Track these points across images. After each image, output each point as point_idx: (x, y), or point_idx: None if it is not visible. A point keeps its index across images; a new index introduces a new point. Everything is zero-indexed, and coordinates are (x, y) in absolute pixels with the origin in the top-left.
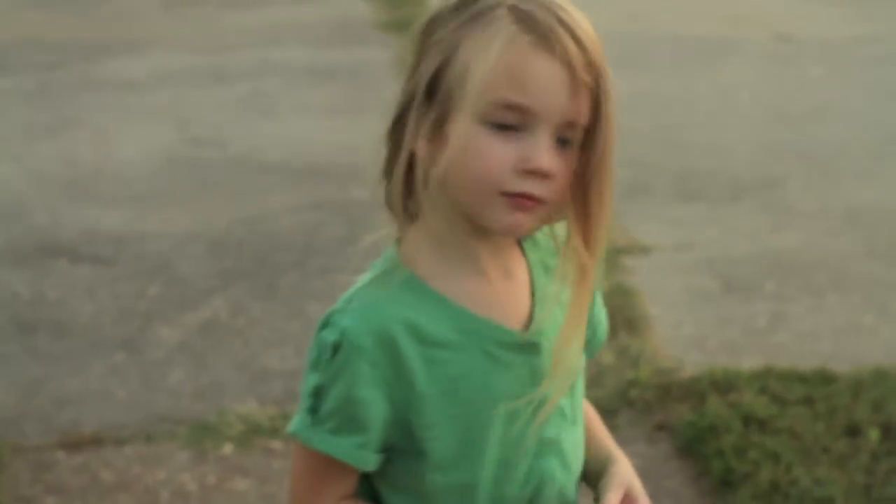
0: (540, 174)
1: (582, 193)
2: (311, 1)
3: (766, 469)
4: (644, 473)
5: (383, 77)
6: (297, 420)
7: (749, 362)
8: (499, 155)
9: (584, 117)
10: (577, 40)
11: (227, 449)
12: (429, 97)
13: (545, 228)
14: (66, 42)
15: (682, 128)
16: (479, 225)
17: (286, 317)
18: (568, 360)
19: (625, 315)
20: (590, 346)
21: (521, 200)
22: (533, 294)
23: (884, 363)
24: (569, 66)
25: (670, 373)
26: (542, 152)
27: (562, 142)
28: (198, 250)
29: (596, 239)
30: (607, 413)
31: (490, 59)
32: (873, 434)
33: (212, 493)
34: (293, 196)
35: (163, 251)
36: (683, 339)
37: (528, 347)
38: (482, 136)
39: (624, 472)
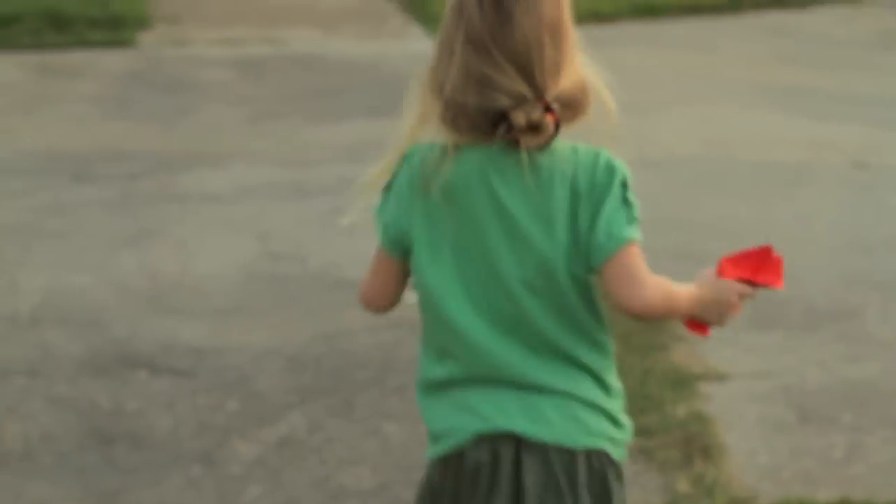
0: None
1: None
2: (390, 115)
3: None
4: None
5: None
6: (633, 229)
7: (825, 494)
8: None
9: None
10: None
11: None
12: None
13: None
14: (148, 153)
15: None
16: None
17: (363, 435)
18: None
19: (700, 442)
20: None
21: None
22: None
23: None
24: None
25: (745, 502)
26: None
27: None
28: (276, 365)
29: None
30: None
31: None
32: None
33: None
34: (371, 314)
35: (241, 365)
36: (758, 469)
37: None
38: None
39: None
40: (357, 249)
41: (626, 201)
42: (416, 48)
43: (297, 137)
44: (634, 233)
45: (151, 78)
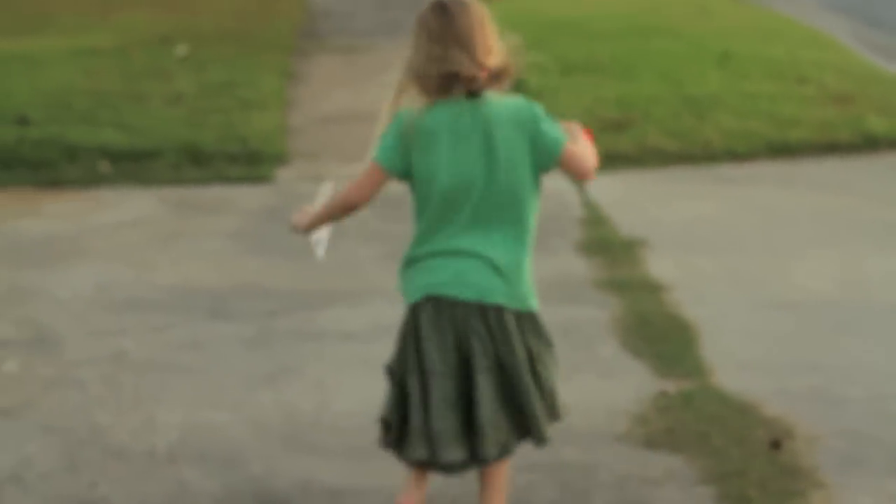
0: None
1: None
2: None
3: None
4: None
5: (598, 337)
6: (559, 131)
7: None
8: None
9: None
10: None
11: None
12: None
13: None
14: (285, 290)
15: None
16: None
17: None
18: None
19: None
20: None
21: None
22: None
23: None
24: None
25: None
26: None
27: None
28: None
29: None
30: None
31: None
32: None
33: None
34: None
35: None
36: None
37: None
38: None
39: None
40: None
41: (550, 118)
42: (552, 186)
43: None
44: (564, 134)
45: (289, 214)
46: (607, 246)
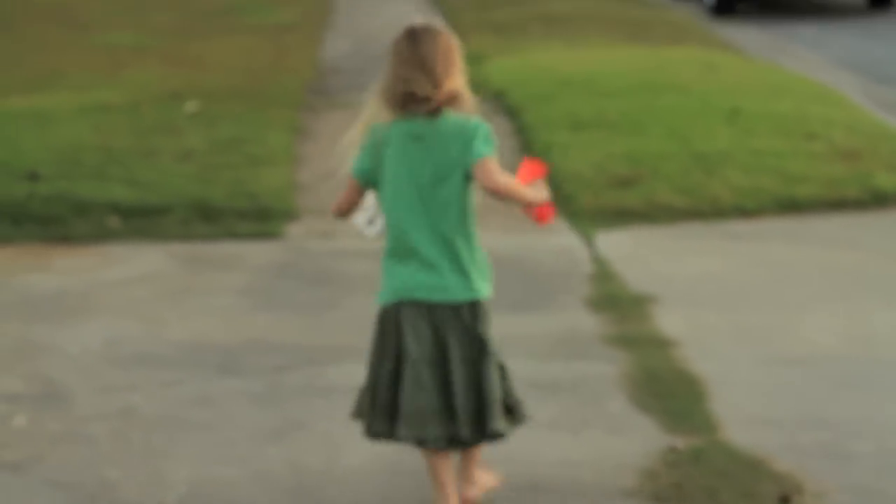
0: None
1: None
2: (534, 310)
3: None
4: None
5: (607, 392)
6: (489, 149)
7: None
8: None
9: None
10: None
11: None
12: None
13: None
14: (295, 345)
15: None
16: None
17: None
18: None
19: None
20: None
21: None
22: None
23: None
24: None
25: None
26: None
27: None
28: None
29: None
30: None
31: None
32: None
33: None
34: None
35: None
36: None
37: None
38: None
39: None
40: (498, 447)
41: (486, 137)
42: (561, 242)
43: None
44: (490, 151)
45: (298, 270)
46: (616, 301)
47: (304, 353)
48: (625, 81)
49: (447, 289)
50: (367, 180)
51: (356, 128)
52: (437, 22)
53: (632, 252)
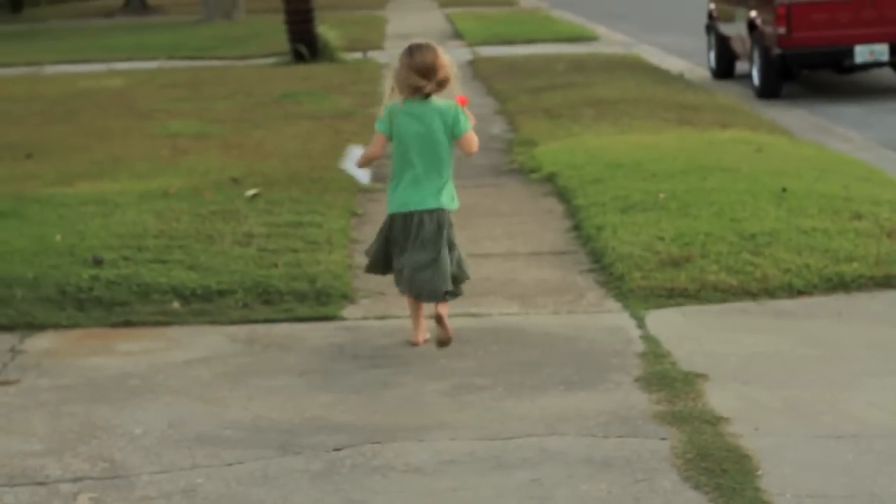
0: None
1: None
2: (587, 388)
3: None
4: None
5: (659, 469)
6: (468, 124)
7: None
8: None
9: None
10: None
11: None
12: None
13: None
14: (352, 425)
15: None
16: None
17: None
18: None
19: None
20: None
21: None
22: None
23: None
24: None
25: None
26: None
27: None
28: None
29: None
30: None
31: None
32: None
33: None
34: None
35: None
36: None
37: None
38: None
39: None
40: None
41: (464, 115)
42: (613, 322)
43: (497, 410)
44: (468, 126)
45: (355, 351)
46: (667, 379)
47: (361, 433)
48: (674, 164)
49: (426, 202)
50: (387, 134)
51: (382, 105)
52: (431, 40)
53: (682, 331)
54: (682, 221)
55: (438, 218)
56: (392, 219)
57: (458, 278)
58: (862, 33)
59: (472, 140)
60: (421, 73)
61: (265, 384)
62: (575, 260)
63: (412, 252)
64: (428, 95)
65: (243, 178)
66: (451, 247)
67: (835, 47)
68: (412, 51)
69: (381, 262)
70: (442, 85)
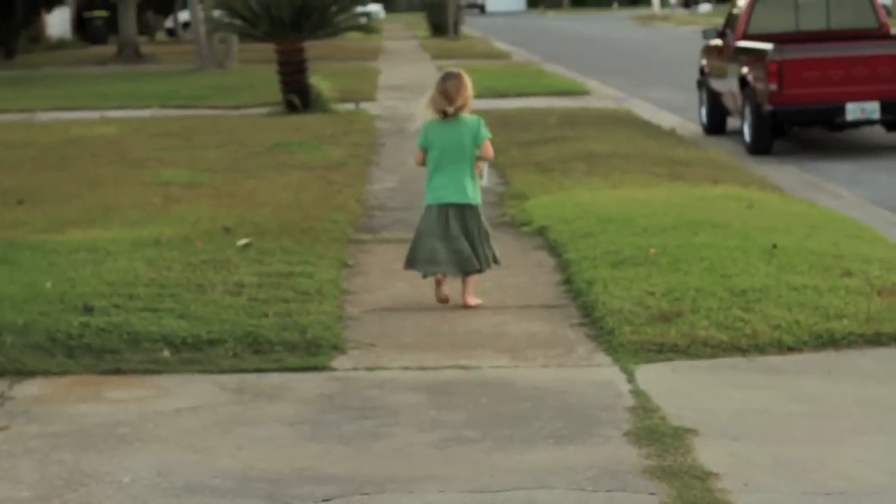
0: None
1: None
2: (576, 441)
3: None
4: None
5: None
6: (488, 133)
7: None
8: None
9: None
10: None
11: None
12: None
13: None
14: (341, 476)
15: None
16: None
17: None
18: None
19: None
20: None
21: None
22: None
23: None
24: None
25: None
26: None
27: None
28: None
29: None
30: None
31: None
32: None
33: None
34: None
35: None
36: None
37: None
38: None
39: None
40: None
41: (484, 126)
42: (603, 376)
43: (486, 463)
44: (488, 134)
45: (345, 402)
46: (657, 434)
47: (350, 484)
48: (664, 219)
49: (456, 196)
50: (425, 149)
51: (418, 121)
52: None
53: (672, 385)
54: (673, 276)
55: (467, 209)
56: (428, 209)
57: (487, 259)
58: (853, 91)
59: (489, 146)
60: (446, 98)
61: (254, 434)
62: (565, 313)
63: (447, 237)
64: (455, 114)
65: (235, 227)
66: (480, 231)
67: (826, 104)
68: (444, 78)
69: (416, 252)
70: (460, 110)
